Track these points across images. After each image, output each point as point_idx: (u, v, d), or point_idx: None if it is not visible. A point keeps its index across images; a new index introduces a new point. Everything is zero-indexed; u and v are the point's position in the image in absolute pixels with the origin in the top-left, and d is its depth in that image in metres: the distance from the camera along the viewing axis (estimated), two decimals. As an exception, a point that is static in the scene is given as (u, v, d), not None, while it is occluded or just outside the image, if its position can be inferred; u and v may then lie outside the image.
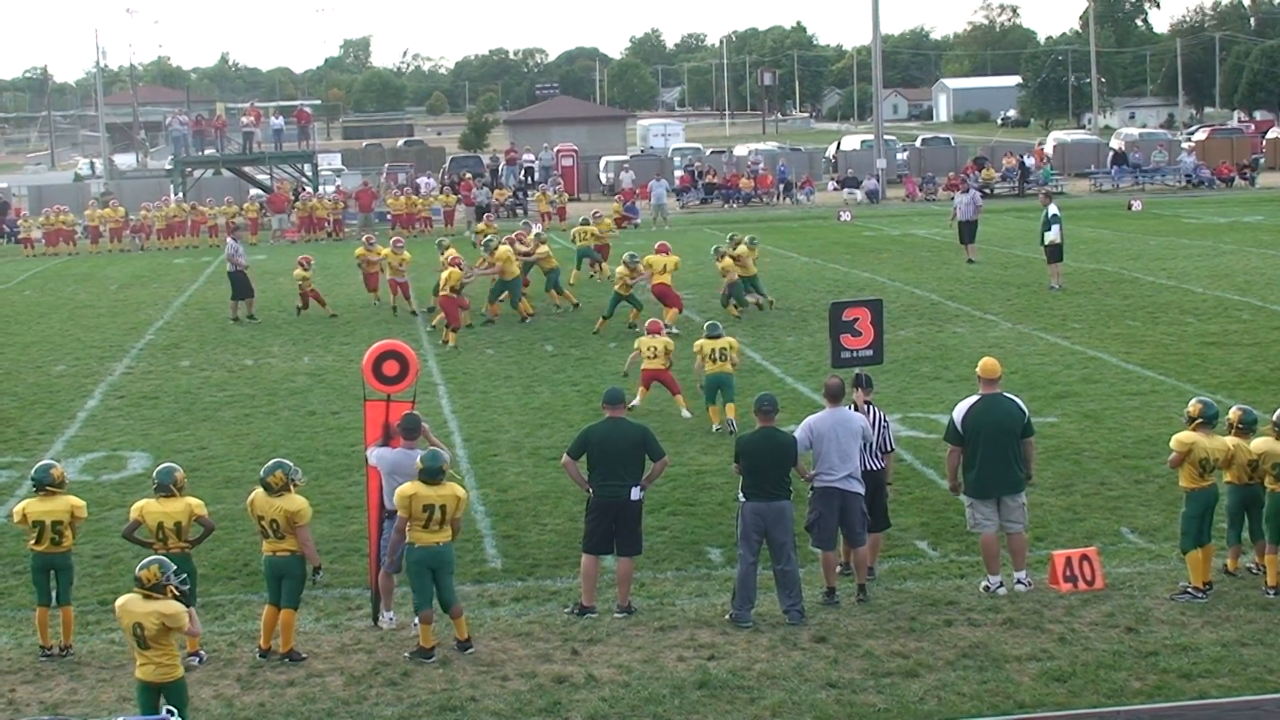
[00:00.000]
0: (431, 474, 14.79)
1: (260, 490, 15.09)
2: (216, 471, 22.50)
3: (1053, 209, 39.65)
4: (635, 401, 25.16)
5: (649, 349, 25.65)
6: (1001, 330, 33.14)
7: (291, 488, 15.08)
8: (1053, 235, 39.13)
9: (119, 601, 12.70)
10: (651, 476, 16.29)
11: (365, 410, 16.35)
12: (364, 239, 42.82)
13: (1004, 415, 16.33)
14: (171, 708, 12.25)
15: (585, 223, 44.43)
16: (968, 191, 49.14)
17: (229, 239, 41.06)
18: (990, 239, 51.08)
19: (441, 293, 34.11)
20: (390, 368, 16.21)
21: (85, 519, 15.83)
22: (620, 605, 15.96)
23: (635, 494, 15.98)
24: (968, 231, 46.59)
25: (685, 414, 25.20)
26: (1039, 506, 18.94)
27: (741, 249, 36.14)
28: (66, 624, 15.42)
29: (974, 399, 16.51)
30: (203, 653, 15.09)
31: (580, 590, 16.19)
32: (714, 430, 24.14)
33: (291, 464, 15.38)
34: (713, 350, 24.32)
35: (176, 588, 12.58)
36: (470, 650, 14.92)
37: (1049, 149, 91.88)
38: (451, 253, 35.92)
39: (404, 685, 14.14)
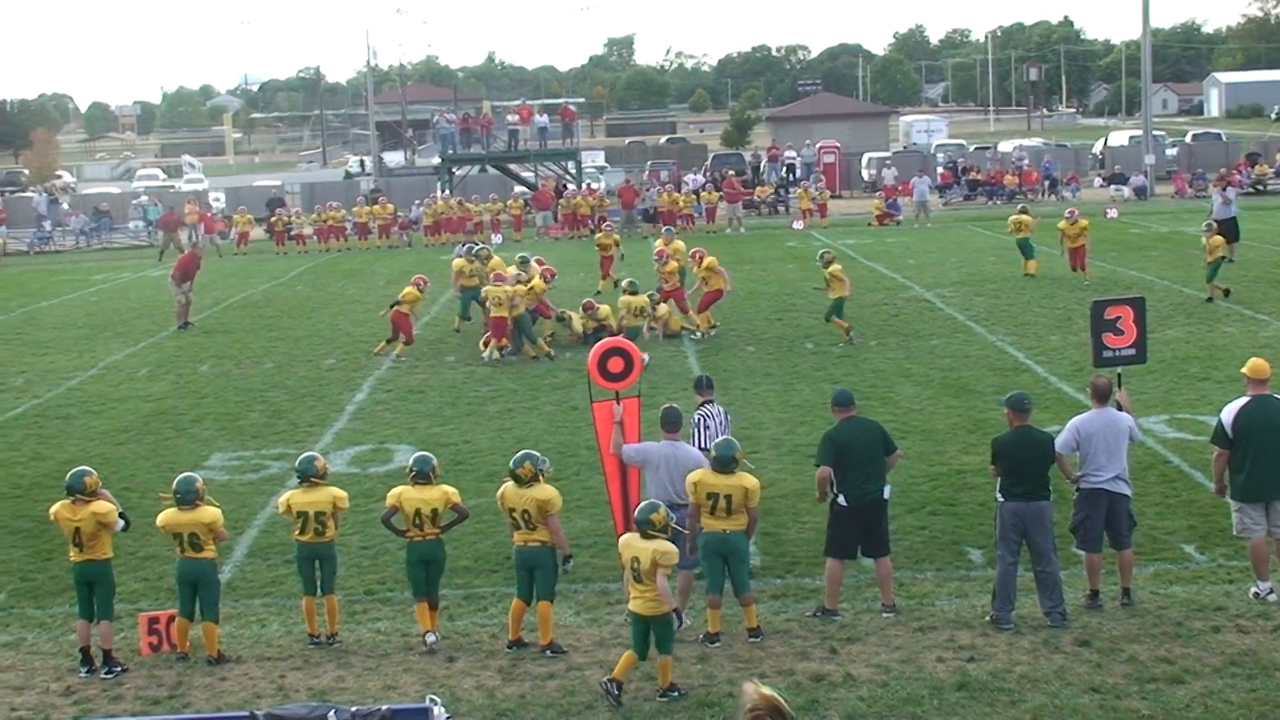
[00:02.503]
0: (722, 463, 15.09)
1: (510, 482, 15.32)
2: (480, 465, 22.82)
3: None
4: (485, 354, 32.00)
5: (494, 299, 31.69)
6: (1274, 330, 32.26)
7: (540, 478, 15.32)
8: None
9: (623, 539, 14.20)
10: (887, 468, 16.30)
11: (594, 412, 16.54)
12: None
13: (1276, 416, 15.92)
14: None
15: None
16: (1225, 189, 47.87)
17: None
18: (1263, 237, 49.84)
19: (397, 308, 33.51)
20: (615, 364, 16.43)
21: (348, 510, 16.23)
22: (885, 604, 15.92)
23: (888, 492, 16.02)
24: (1228, 230, 45.35)
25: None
26: (1312, 512, 18.42)
27: (835, 268, 32.95)
28: (331, 613, 15.80)
29: (1244, 400, 16.12)
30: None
31: (825, 593, 16.16)
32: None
33: (539, 455, 15.61)
34: (640, 308, 31.74)
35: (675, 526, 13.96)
36: (759, 638, 15.11)
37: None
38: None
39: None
